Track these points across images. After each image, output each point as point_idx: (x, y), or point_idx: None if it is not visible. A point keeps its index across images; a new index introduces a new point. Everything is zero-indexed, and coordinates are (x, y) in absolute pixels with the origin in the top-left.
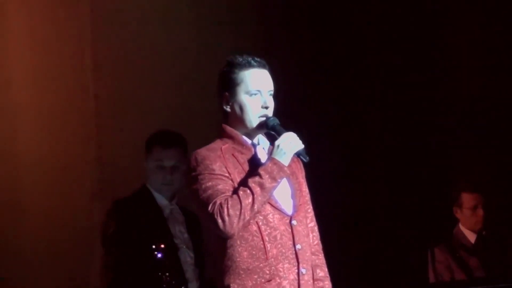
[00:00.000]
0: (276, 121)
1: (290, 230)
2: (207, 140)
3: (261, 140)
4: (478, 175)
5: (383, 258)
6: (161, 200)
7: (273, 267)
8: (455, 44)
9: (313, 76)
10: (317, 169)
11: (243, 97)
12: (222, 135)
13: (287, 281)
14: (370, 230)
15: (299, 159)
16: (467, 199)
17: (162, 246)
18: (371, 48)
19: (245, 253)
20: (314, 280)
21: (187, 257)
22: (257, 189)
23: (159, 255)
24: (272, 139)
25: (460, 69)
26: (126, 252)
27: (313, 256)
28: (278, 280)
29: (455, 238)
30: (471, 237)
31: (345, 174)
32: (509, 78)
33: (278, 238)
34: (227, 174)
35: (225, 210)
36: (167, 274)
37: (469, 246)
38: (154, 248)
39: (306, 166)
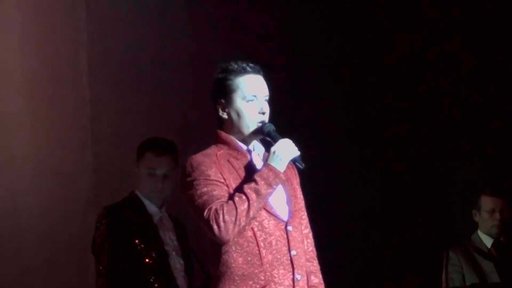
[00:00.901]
0: (272, 127)
1: (285, 236)
2: (202, 146)
3: (256, 146)
4: (499, 179)
5: (395, 261)
6: (151, 207)
7: (268, 273)
8: (470, 46)
9: (309, 82)
10: (328, 171)
11: (239, 103)
12: (217, 141)
13: (282, 287)
14: (382, 234)
15: (294, 166)
16: (485, 202)
17: (153, 252)
18: (372, 54)
19: (240, 259)
20: (309, 286)
21: (177, 263)
22: (252, 195)
23: (150, 262)
24: (267, 145)
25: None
26: (117, 259)
27: (307, 263)
28: (273, 286)
29: (472, 242)
30: (488, 242)
31: (360, 175)
32: None
33: (273, 244)
34: (222, 180)
35: (221, 216)
36: (158, 280)
37: (485, 251)
38: (144, 255)
39: (303, 171)
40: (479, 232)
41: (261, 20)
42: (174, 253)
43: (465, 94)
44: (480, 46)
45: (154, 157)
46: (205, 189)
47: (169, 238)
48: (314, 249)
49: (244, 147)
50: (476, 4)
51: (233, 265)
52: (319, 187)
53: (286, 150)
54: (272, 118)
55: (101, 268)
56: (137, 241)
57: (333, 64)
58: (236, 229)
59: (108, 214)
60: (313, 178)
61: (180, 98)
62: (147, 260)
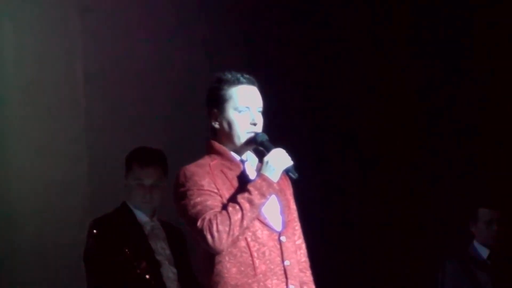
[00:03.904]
0: (265, 137)
1: (278, 246)
2: (197, 156)
3: (249, 157)
4: (496, 190)
5: (391, 272)
6: (142, 217)
7: (261, 283)
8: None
9: (303, 92)
10: (321, 182)
11: (231, 113)
12: (210, 151)
13: None
14: (377, 244)
15: (287, 176)
16: (483, 213)
17: (144, 263)
18: (366, 66)
19: (234, 269)
20: None
21: (169, 273)
22: (246, 205)
23: (141, 272)
24: (260, 155)
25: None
26: (108, 270)
27: (300, 273)
28: None
29: (468, 252)
30: (484, 252)
31: (355, 185)
32: None
33: (267, 254)
34: (215, 190)
35: (214, 226)
36: None
37: (480, 261)
38: (136, 266)
39: (296, 181)
40: (475, 243)
41: (256, 31)
42: (166, 262)
43: (463, 103)
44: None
45: (141, 168)
46: (199, 199)
47: (161, 247)
48: (307, 259)
49: (237, 157)
50: None
51: (227, 275)
52: (312, 198)
53: (279, 160)
54: (265, 128)
55: (92, 280)
56: (127, 251)
57: (327, 74)
58: (230, 239)
59: (97, 226)
60: (306, 188)
61: (176, 108)
62: (138, 270)
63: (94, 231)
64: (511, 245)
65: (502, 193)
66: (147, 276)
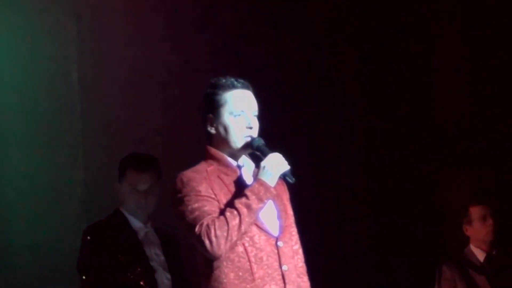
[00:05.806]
0: (261, 142)
1: (276, 251)
2: (193, 162)
3: (246, 162)
4: (484, 189)
5: (387, 276)
6: (136, 223)
7: None
8: (444, 60)
9: (299, 96)
10: (318, 187)
11: (227, 118)
12: (207, 156)
13: None
14: (374, 249)
15: (283, 181)
16: (475, 211)
17: (138, 269)
18: (363, 66)
19: (232, 274)
20: None
21: (164, 279)
22: (244, 210)
23: (136, 279)
24: (257, 160)
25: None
26: (102, 277)
27: (298, 279)
28: None
29: (464, 256)
30: (481, 255)
31: (350, 190)
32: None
33: (264, 259)
34: (213, 196)
35: (212, 231)
36: None
37: (477, 265)
38: (130, 272)
39: (292, 186)
40: (471, 246)
41: (247, 31)
42: (160, 268)
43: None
44: (475, 51)
45: (136, 173)
46: (196, 204)
47: (155, 254)
48: (304, 264)
49: (234, 163)
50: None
51: (225, 280)
52: (309, 203)
53: (276, 165)
54: (261, 132)
55: (86, 286)
56: (121, 258)
57: (325, 75)
58: (228, 244)
59: (92, 232)
60: (302, 193)
61: (171, 113)
62: (132, 277)
63: (88, 237)
64: (508, 248)
65: (489, 191)
66: (142, 282)
